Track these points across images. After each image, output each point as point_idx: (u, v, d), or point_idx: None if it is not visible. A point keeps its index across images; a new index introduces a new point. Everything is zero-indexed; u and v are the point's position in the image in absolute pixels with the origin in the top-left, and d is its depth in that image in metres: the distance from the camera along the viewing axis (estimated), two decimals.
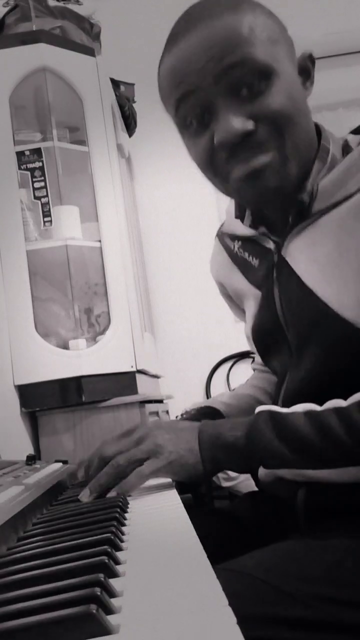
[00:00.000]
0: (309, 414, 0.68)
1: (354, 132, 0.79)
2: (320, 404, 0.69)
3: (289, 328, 0.79)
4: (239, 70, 0.68)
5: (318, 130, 0.78)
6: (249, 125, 0.69)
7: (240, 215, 0.86)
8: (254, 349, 0.94)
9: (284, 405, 0.74)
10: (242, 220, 0.86)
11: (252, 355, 2.45)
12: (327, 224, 0.74)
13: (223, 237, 0.96)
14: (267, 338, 0.86)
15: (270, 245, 0.83)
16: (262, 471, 0.71)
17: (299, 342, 0.78)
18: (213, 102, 0.70)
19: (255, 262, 0.87)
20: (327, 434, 0.65)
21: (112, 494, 0.68)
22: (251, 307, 0.89)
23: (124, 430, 0.79)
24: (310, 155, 0.75)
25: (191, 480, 0.73)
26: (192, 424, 0.76)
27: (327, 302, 0.72)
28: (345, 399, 0.68)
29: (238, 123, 0.69)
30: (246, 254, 0.89)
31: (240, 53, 0.68)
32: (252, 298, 0.88)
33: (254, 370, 1.11)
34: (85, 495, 0.70)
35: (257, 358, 1.06)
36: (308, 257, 0.75)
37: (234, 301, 1.00)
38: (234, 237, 0.91)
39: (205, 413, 0.94)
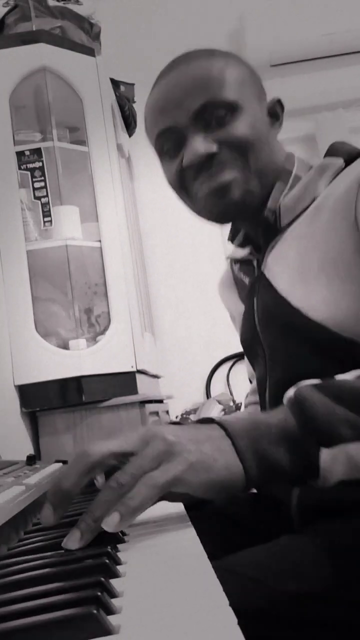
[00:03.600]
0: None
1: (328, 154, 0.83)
2: None
3: (263, 335, 0.83)
4: (210, 107, 0.78)
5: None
6: (213, 147, 0.78)
7: (231, 237, 0.93)
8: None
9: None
10: (232, 241, 0.92)
11: None
12: (290, 235, 0.80)
13: (230, 261, 1.02)
14: (248, 348, 0.90)
15: (255, 263, 0.89)
16: (326, 456, 0.56)
17: (272, 346, 0.81)
18: (185, 133, 0.79)
19: (246, 280, 0.93)
20: None
21: (113, 518, 0.47)
22: (239, 323, 0.93)
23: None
24: (274, 179, 0.82)
25: (222, 491, 0.54)
26: (201, 424, 0.59)
27: (298, 307, 0.75)
28: None
29: (202, 146, 0.78)
30: (242, 275, 0.95)
31: (211, 92, 0.78)
32: (240, 314, 0.93)
33: (245, 407, 1.10)
34: (74, 540, 0.47)
35: (250, 396, 1.08)
36: (280, 268, 0.80)
37: (233, 321, 1.04)
38: (236, 261, 0.98)
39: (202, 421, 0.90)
